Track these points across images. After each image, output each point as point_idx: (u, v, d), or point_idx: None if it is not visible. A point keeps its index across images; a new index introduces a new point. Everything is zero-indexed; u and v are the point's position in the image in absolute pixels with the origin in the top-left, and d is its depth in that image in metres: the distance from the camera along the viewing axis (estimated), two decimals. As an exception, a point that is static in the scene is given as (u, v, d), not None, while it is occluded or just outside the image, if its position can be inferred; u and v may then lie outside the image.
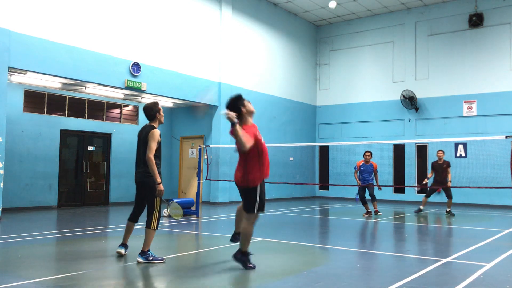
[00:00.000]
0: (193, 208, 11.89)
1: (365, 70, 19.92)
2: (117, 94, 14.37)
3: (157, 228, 6.00)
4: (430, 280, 5.10)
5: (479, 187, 14.64)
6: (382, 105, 19.28)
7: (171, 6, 14.50)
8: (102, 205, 14.78)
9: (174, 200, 11.20)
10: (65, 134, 14.12)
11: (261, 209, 5.61)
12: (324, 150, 20.84)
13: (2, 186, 10.41)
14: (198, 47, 15.43)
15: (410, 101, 18.19)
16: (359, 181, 12.64)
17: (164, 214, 11.44)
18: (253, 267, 5.53)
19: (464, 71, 17.59)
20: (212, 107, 16.18)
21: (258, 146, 5.47)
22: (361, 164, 12.58)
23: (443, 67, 18.03)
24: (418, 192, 18.48)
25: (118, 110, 15.80)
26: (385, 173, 18.62)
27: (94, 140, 15.04)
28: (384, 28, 19.49)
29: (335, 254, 6.94)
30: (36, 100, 13.47)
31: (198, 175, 12.29)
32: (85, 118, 14.65)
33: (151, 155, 5.83)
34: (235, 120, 5.14)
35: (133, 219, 6.38)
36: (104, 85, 12.81)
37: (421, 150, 18.39)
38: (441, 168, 12.75)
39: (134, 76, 13.17)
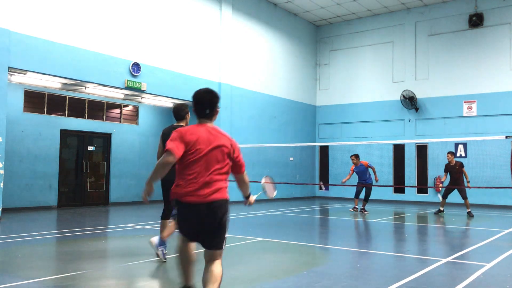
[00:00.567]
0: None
1: (365, 70, 19.92)
2: (117, 94, 14.37)
3: None
4: (430, 280, 5.10)
5: (479, 187, 14.65)
6: (382, 105, 19.28)
7: (171, 6, 14.50)
8: (102, 205, 14.78)
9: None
10: (65, 134, 14.12)
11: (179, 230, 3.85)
12: (324, 150, 20.84)
13: (2, 186, 10.41)
14: (198, 47, 15.43)
15: (410, 101, 18.19)
16: (346, 179, 13.32)
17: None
18: None
19: (464, 71, 17.59)
20: (212, 107, 16.16)
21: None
22: (354, 168, 13.36)
23: (443, 67, 18.03)
24: (419, 192, 18.50)
25: (118, 110, 15.80)
26: (385, 173, 18.63)
27: (94, 140, 15.04)
28: (384, 28, 19.49)
29: (335, 254, 6.94)
30: (36, 100, 13.47)
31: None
32: (85, 118, 14.65)
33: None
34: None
35: (166, 217, 6.23)
36: (104, 85, 12.81)
37: (421, 150, 18.39)
38: (454, 170, 12.73)
39: (134, 76, 13.17)
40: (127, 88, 13.05)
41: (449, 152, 13.07)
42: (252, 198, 4.19)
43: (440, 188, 15.59)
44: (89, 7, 12.22)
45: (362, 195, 13.88)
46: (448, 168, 12.88)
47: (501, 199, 16.30)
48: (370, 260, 6.55)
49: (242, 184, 4.01)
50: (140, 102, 15.96)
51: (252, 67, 17.61)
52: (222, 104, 16.11)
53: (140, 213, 12.62)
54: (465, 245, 7.59)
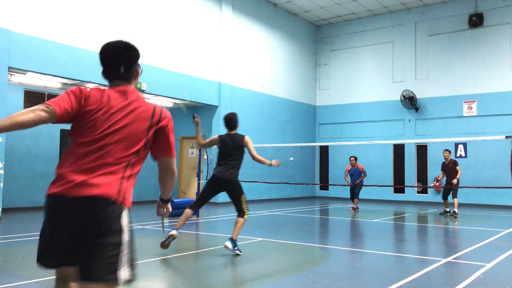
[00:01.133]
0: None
1: (365, 70, 19.92)
2: (117, 94, 14.35)
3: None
4: (430, 280, 5.10)
5: (479, 187, 14.65)
6: (382, 105, 19.27)
7: (171, 6, 14.50)
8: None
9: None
10: (65, 134, 14.11)
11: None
12: (324, 150, 20.84)
13: (2, 186, 10.41)
14: (198, 47, 15.43)
15: (410, 101, 18.19)
16: (349, 182, 14.13)
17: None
18: None
19: (464, 71, 17.59)
20: (212, 107, 16.18)
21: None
22: (349, 169, 14.05)
23: (443, 67, 18.03)
24: (419, 192, 18.49)
25: (118, 110, 15.80)
26: (385, 173, 18.63)
27: (94, 140, 15.03)
28: (384, 28, 19.49)
29: (335, 254, 6.94)
30: (36, 100, 13.46)
31: (198, 175, 12.29)
32: (85, 118, 14.64)
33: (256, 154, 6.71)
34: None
35: (196, 207, 6.96)
36: (104, 85, 12.78)
37: (421, 150, 18.39)
38: (449, 168, 12.74)
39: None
40: (127, 88, 13.03)
41: (446, 150, 13.09)
42: (169, 206, 2.99)
43: (440, 189, 15.58)
44: (89, 7, 12.22)
45: (365, 193, 14.55)
46: (444, 167, 12.90)
47: (501, 199, 16.29)
48: (370, 260, 6.55)
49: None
50: (140, 102, 15.94)
51: (252, 67, 17.61)
52: (222, 104, 16.12)
53: (140, 213, 12.62)
54: (465, 245, 7.59)
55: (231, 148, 6.75)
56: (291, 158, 19.36)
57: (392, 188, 18.60)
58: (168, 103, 16.16)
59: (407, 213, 14.12)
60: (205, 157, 13.21)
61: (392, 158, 18.86)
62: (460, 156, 17.09)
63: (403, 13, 19.01)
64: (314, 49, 21.23)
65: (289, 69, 19.69)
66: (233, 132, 6.91)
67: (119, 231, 2.30)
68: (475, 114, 17.21)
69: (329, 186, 20.39)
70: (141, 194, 16.20)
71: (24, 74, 11.51)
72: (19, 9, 10.79)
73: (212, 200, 15.85)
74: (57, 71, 11.46)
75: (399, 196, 18.64)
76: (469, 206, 16.22)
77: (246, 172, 12.02)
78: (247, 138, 6.88)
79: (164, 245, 6.47)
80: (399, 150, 18.81)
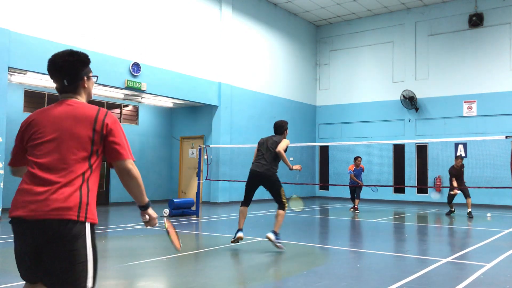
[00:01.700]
0: (193, 208, 11.89)
1: (365, 70, 19.93)
2: (117, 94, 14.37)
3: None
4: (430, 280, 5.10)
5: (479, 187, 14.64)
6: (382, 105, 19.28)
7: (171, 6, 14.50)
8: (102, 205, 14.78)
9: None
10: (65, 134, 14.11)
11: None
12: (324, 150, 20.84)
13: (2, 186, 10.41)
14: (198, 47, 15.43)
15: (410, 101, 18.19)
16: (358, 180, 14.10)
17: (164, 214, 11.44)
18: None
19: (464, 71, 17.59)
20: (212, 107, 16.18)
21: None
22: (353, 169, 14.15)
23: (443, 67, 18.03)
24: (418, 192, 18.50)
25: (118, 110, 15.81)
26: (385, 173, 18.63)
27: (94, 140, 15.03)
28: (384, 28, 19.49)
29: (335, 254, 6.94)
30: (36, 100, 13.47)
31: (198, 175, 12.29)
32: (85, 118, 14.64)
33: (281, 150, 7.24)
34: None
35: (247, 204, 7.43)
36: (104, 85, 12.80)
37: (421, 150, 18.39)
38: (460, 172, 12.66)
39: (134, 76, 13.17)
40: (127, 88, 13.05)
41: (461, 158, 12.91)
42: (152, 213, 2.73)
43: (441, 190, 15.66)
44: (89, 7, 12.22)
45: (365, 193, 14.66)
46: (455, 173, 12.69)
47: (501, 199, 16.30)
48: (370, 260, 6.55)
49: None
50: (140, 102, 15.96)
51: (252, 67, 17.61)
52: (222, 104, 16.12)
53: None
54: (465, 245, 7.59)
55: (268, 147, 7.44)
56: (291, 158, 19.36)
57: (392, 188, 18.60)
58: (168, 103, 16.17)
59: (407, 213, 14.12)
60: (205, 157, 13.21)
61: (392, 158, 18.86)
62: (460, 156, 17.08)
63: (403, 13, 19.01)
64: (314, 49, 21.23)
65: (289, 69, 19.69)
66: (277, 136, 7.55)
67: None
68: (475, 114, 17.21)
69: (329, 186, 20.38)
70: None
71: (24, 74, 11.51)
72: (19, 9, 10.79)
73: (212, 200, 15.96)
74: (57, 71, 11.44)
75: (399, 196, 18.64)
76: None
77: (246, 172, 12.00)
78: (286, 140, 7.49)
79: (233, 242, 7.08)
80: (399, 150, 18.81)
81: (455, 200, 13.75)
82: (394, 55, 19.21)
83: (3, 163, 10.45)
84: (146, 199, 2.67)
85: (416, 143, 18.18)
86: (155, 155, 16.78)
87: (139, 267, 5.65)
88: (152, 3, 13.91)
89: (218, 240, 8.05)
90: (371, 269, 5.89)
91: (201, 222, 10.84)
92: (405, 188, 18.47)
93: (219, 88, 16.08)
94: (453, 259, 6.34)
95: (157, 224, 2.79)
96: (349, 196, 17.03)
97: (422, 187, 18.12)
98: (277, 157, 7.31)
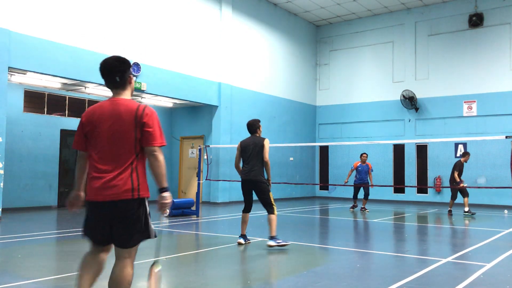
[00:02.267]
0: (193, 208, 11.89)
1: (365, 70, 19.93)
2: (117, 94, 14.35)
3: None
4: (430, 280, 5.10)
5: (479, 187, 14.64)
6: (382, 105, 19.28)
7: (171, 6, 14.50)
8: (102, 205, 14.77)
9: None
10: (65, 134, 14.12)
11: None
12: (324, 150, 20.84)
13: (2, 186, 10.41)
14: (198, 47, 15.43)
15: (410, 101, 18.19)
16: (347, 179, 13.97)
17: (164, 214, 11.43)
18: None
19: (464, 71, 17.59)
20: (212, 107, 16.18)
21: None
22: (358, 165, 13.84)
23: (443, 67, 18.03)
24: (418, 192, 18.49)
25: (118, 110, 15.80)
26: (385, 173, 18.63)
27: (94, 140, 15.03)
28: (384, 28, 19.49)
29: (335, 254, 6.94)
30: (36, 100, 13.47)
31: (198, 175, 12.29)
32: (85, 118, 14.64)
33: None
34: None
35: (246, 210, 7.63)
36: (104, 85, 12.79)
37: (421, 150, 18.39)
38: (463, 168, 13.04)
39: (134, 76, 13.18)
40: (127, 88, 13.03)
41: (468, 154, 13.13)
42: (167, 196, 3.24)
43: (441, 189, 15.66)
44: (89, 7, 12.22)
45: (360, 195, 14.44)
46: (462, 169, 12.90)
47: (501, 199, 16.29)
48: (370, 260, 6.55)
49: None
50: (140, 102, 15.93)
51: (252, 67, 17.61)
52: (222, 104, 16.12)
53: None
54: (465, 245, 7.59)
55: (254, 150, 7.41)
56: (291, 158, 19.36)
57: (392, 188, 18.61)
58: (168, 103, 16.17)
59: (407, 213, 14.12)
60: (205, 157, 13.20)
61: (392, 158, 18.86)
62: (460, 156, 17.07)
63: (403, 13, 19.01)
64: (314, 49, 21.23)
65: (289, 69, 19.69)
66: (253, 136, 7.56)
67: None
68: (475, 114, 17.21)
69: (329, 186, 20.38)
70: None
71: (24, 74, 11.51)
72: (19, 9, 10.79)
73: (212, 200, 15.96)
74: (57, 71, 11.46)
75: (399, 196, 18.65)
76: (469, 206, 16.20)
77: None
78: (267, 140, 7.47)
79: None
80: (399, 150, 18.81)
81: (461, 200, 13.75)
82: (394, 55, 19.21)
83: (3, 163, 10.45)
84: (165, 184, 3.23)
85: (416, 143, 18.18)
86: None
87: (139, 267, 5.65)
88: (152, 3, 13.91)
89: (218, 240, 8.05)
90: (371, 269, 5.89)
91: (201, 222, 10.84)
92: (405, 188, 18.47)
93: (219, 88, 16.08)
94: (453, 259, 6.34)
95: (167, 211, 3.31)
96: (349, 196, 17.05)
97: (422, 187, 18.12)
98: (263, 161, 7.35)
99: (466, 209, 12.91)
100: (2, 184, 10.39)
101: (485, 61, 17.16)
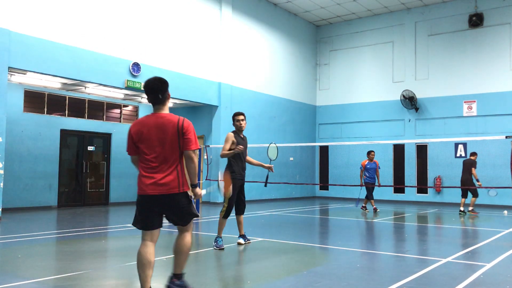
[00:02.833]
0: (193, 208, 11.87)
1: (365, 70, 19.92)
2: (117, 94, 14.36)
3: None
4: (430, 280, 5.10)
5: (479, 187, 14.64)
6: (382, 105, 19.27)
7: (171, 6, 14.50)
8: (102, 205, 14.78)
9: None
10: (65, 134, 14.12)
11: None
12: (324, 150, 20.84)
13: (2, 186, 10.41)
14: (198, 47, 15.43)
15: (410, 101, 18.18)
16: (362, 182, 13.54)
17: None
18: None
19: (464, 71, 17.59)
20: (212, 107, 16.18)
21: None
22: (366, 163, 13.52)
23: (443, 67, 18.03)
24: (418, 192, 18.49)
25: (118, 110, 15.81)
26: (385, 173, 18.62)
27: (94, 140, 15.05)
28: (384, 28, 19.49)
29: (335, 254, 6.93)
30: (36, 100, 13.47)
31: (198, 175, 12.27)
32: (85, 118, 14.66)
33: None
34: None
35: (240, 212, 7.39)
36: (104, 85, 12.81)
37: (421, 150, 18.39)
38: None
39: (134, 76, 13.17)
40: (127, 88, 13.05)
41: (476, 153, 13.37)
42: (198, 191, 4.33)
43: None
44: (89, 7, 12.22)
45: (362, 194, 14.32)
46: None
47: (501, 199, 16.28)
48: (370, 260, 6.55)
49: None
50: (140, 102, 15.96)
51: (252, 67, 17.61)
52: (222, 104, 16.12)
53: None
54: (465, 245, 7.59)
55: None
56: (291, 158, 19.36)
57: (392, 188, 18.60)
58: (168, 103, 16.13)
59: (407, 213, 14.11)
60: (205, 157, 13.20)
61: (392, 158, 18.86)
62: (460, 156, 17.08)
63: (403, 13, 19.01)
64: (314, 49, 21.23)
65: (289, 69, 19.68)
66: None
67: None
68: (475, 114, 17.21)
69: (329, 186, 20.38)
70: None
71: (24, 74, 11.51)
72: (19, 9, 10.79)
73: (212, 200, 15.96)
74: (57, 71, 11.47)
75: (399, 196, 18.64)
76: (469, 206, 16.21)
77: (246, 172, 11.99)
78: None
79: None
80: (399, 150, 18.80)
81: (453, 200, 13.81)
82: (394, 55, 19.20)
83: (3, 163, 10.45)
84: (196, 181, 4.23)
85: (416, 143, 18.18)
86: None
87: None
88: (152, 3, 13.91)
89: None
90: (371, 269, 5.89)
91: (201, 222, 10.84)
92: (405, 188, 18.47)
93: (219, 88, 16.08)
94: (453, 259, 6.34)
95: (202, 197, 4.61)
96: (349, 196, 17.08)
97: (422, 187, 18.11)
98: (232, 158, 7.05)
99: (471, 208, 13.00)
100: (2, 184, 10.39)
101: (485, 61, 17.16)
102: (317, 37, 21.32)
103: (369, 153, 13.65)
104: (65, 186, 14.13)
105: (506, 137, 9.28)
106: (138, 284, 4.95)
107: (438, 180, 17.57)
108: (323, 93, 21.16)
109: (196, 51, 15.35)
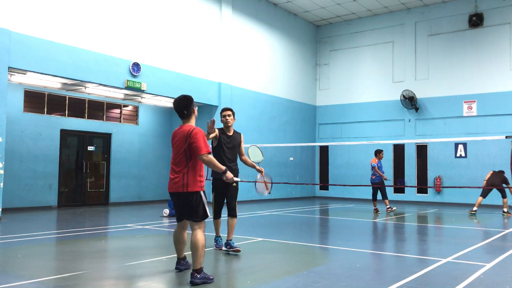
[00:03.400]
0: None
1: (365, 70, 19.92)
2: (117, 94, 14.36)
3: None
4: (430, 280, 5.10)
5: (479, 187, 14.64)
6: (382, 105, 19.28)
7: (171, 6, 14.50)
8: (102, 205, 14.78)
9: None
10: (65, 134, 14.12)
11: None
12: (324, 150, 20.84)
13: (2, 186, 10.41)
14: (198, 47, 15.43)
15: (410, 101, 18.19)
16: (382, 174, 13.25)
17: (164, 214, 11.45)
18: (212, 279, 4.86)
19: (464, 71, 17.59)
20: (212, 107, 16.18)
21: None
22: (378, 162, 13.23)
23: (443, 67, 18.03)
24: (418, 192, 18.49)
25: (118, 110, 15.81)
26: (385, 173, 18.61)
27: (94, 140, 15.05)
28: (384, 28, 19.49)
29: (335, 254, 6.94)
30: (36, 100, 13.47)
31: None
32: (85, 118, 14.66)
33: None
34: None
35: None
36: (104, 85, 12.81)
37: (421, 150, 18.39)
38: None
39: (134, 76, 13.18)
40: (127, 88, 13.06)
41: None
42: (228, 175, 5.12)
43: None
44: (89, 7, 12.22)
45: (365, 193, 14.13)
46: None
47: (501, 199, 16.24)
48: (370, 260, 6.55)
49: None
50: (140, 102, 15.96)
51: (252, 67, 17.61)
52: (222, 104, 16.12)
53: (140, 213, 12.63)
54: (465, 245, 7.58)
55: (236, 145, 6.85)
56: (291, 158, 19.36)
57: (392, 188, 18.60)
58: (168, 103, 16.16)
59: (407, 213, 14.11)
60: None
61: (392, 158, 18.86)
62: (460, 156, 17.09)
63: (403, 13, 19.01)
64: (314, 49, 21.23)
65: (289, 69, 19.69)
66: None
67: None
68: (475, 114, 17.22)
69: (329, 186, 20.38)
70: (141, 194, 16.19)
71: (24, 74, 11.51)
72: (19, 9, 10.79)
73: (212, 200, 15.92)
74: (57, 71, 11.47)
75: (399, 196, 18.64)
76: (469, 206, 16.22)
77: (246, 172, 12.00)
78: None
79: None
80: (399, 150, 18.81)
81: (453, 200, 13.81)
82: (394, 55, 19.21)
83: (3, 163, 10.45)
84: (222, 169, 5.03)
85: (416, 143, 18.18)
86: (155, 155, 16.77)
87: (139, 267, 5.65)
88: (152, 3, 13.91)
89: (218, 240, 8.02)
90: (371, 269, 5.89)
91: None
92: (405, 188, 18.47)
93: (219, 88, 16.08)
94: (453, 259, 6.34)
95: (233, 180, 5.36)
96: (349, 196, 17.03)
97: (422, 187, 18.12)
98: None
99: (505, 209, 13.28)
100: (2, 184, 10.39)
101: (485, 61, 17.17)
102: (317, 37, 21.33)
103: (380, 152, 13.30)
104: (65, 186, 14.14)
105: (506, 137, 9.30)
106: (137, 284, 4.97)
107: (438, 180, 17.58)
108: (323, 93, 21.16)
109: (196, 51, 15.35)
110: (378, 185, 13.11)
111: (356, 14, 19.56)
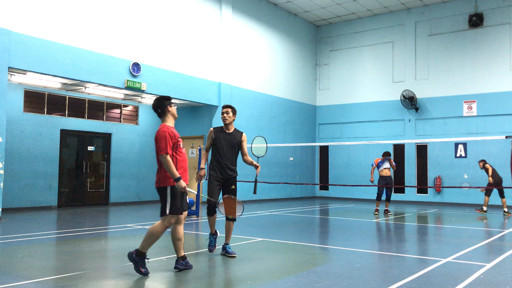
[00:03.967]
0: (193, 208, 11.89)
1: (365, 70, 19.93)
2: (117, 94, 14.36)
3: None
4: (430, 280, 5.10)
5: (479, 187, 14.64)
6: (382, 105, 19.28)
7: (171, 6, 14.50)
8: (102, 205, 14.78)
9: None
10: (65, 134, 14.12)
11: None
12: (324, 150, 20.84)
13: (2, 186, 10.41)
14: (198, 47, 15.43)
15: (410, 101, 18.19)
16: (373, 178, 13.04)
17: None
18: (145, 274, 5.15)
19: (464, 71, 17.59)
20: (212, 107, 16.18)
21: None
22: (379, 162, 12.91)
23: (443, 67, 18.03)
24: (418, 192, 18.49)
25: (118, 110, 15.81)
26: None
27: (94, 140, 15.05)
28: (384, 28, 19.49)
29: (335, 254, 6.93)
30: (36, 100, 13.47)
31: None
32: (85, 118, 14.66)
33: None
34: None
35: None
36: (104, 85, 12.81)
37: (421, 150, 18.39)
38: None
39: (134, 76, 13.18)
40: (127, 88, 13.06)
41: (480, 161, 13.50)
42: (180, 183, 5.14)
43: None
44: (89, 7, 12.22)
45: (365, 193, 14.08)
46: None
47: (500, 199, 16.26)
48: (370, 260, 6.55)
49: None
50: (140, 102, 15.96)
51: (252, 67, 17.61)
52: (222, 104, 16.11)
53: (140, 213, 12.63)
54: (465, 245, 7.58)
55: (234, 144, 6.68)
56: (291, 158, 19.36)
57: (392, 188, 18.58)
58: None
59: (407, 213, 14.11)
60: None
61: (392, 158, 18.84)
62: (460, 156, 17.10)
63: (403, 13, 19.01)
64: (314, 49, 21.23)
65: (289, 69, 19.69)
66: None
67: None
68: (475, 114, 17.22)
69: (329, 186, 20.38)
70: (141, 194, 16.20)
71: (24, 74, 11.51)
72: (19, 9, 10.79)
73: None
74: (57, 71, 11.47)
75: (399, 196, 18.64)
76: (469, 206, 16.23)
77: (246, 172, 12.01)
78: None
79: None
80: (399, 150, 18.80)
81: (452, 200, 13.82)
82: (394, 55, 19.21)
83: (3, 163, 10.45)
84: (176, 175, 5.10)
85: (416, 143, 18.18)
86: (155, 155, 16.76)
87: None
88: (152, 3, 13.91)
89: (218, 240, 8.03)
90: (371, 269, 5.89)
91: (201, 222, 10.84)
92: (405, 188, 18.47)
93: (219, 88, 16.08)
94: (453, 259, 6.34)
95: (184, 190, 5.23)
96: (349, 196, 17.00)
97: (422, 187, 18.12)
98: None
99: (506, 209, 13.32)
100: (2, 184, 10.39)
101: (485, 61, 17.17)
102: (317, 37, 21.33)
103: (387, 153, 12.87)
104: (65, 186, 14.14)
105: (506, 137, 9.29)
106: (137, 284, 4.97)
107: (438, 180, 17.58)
108: (323, 93, 21.16)
109: (196, 51, 15.36)
110: (387, 185, 12.75)
111: (356, 14, 19.56)
